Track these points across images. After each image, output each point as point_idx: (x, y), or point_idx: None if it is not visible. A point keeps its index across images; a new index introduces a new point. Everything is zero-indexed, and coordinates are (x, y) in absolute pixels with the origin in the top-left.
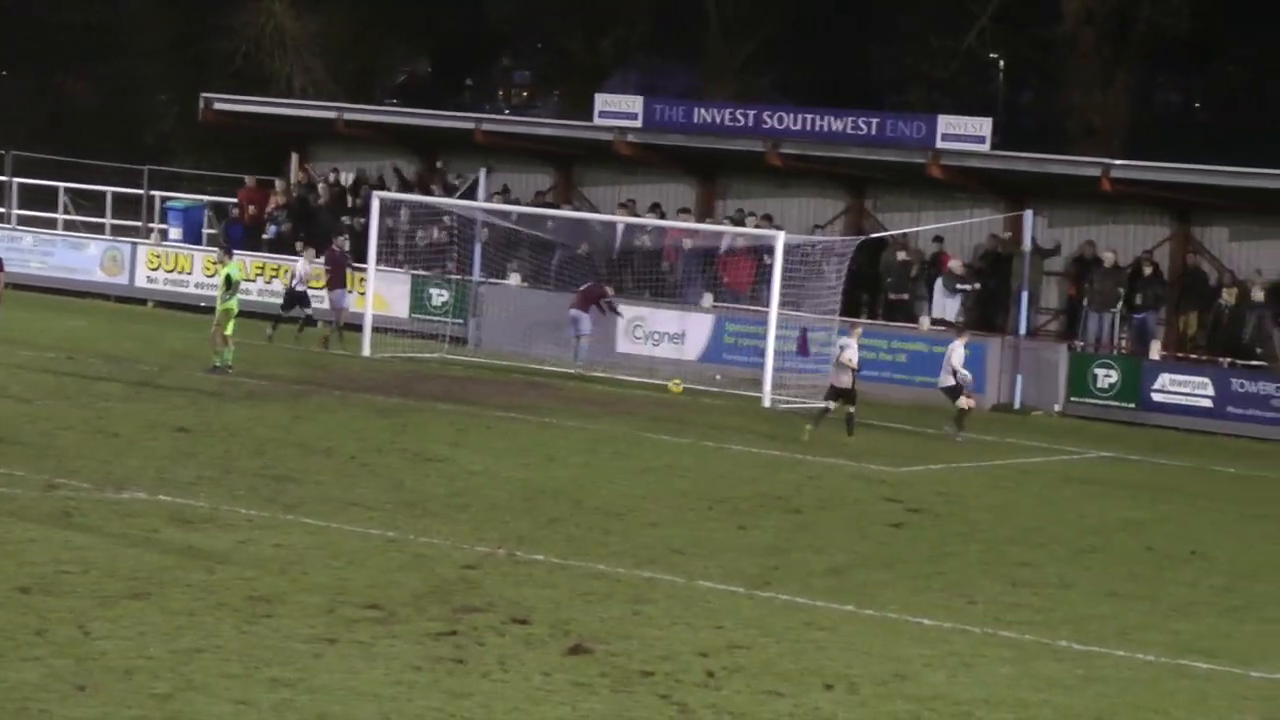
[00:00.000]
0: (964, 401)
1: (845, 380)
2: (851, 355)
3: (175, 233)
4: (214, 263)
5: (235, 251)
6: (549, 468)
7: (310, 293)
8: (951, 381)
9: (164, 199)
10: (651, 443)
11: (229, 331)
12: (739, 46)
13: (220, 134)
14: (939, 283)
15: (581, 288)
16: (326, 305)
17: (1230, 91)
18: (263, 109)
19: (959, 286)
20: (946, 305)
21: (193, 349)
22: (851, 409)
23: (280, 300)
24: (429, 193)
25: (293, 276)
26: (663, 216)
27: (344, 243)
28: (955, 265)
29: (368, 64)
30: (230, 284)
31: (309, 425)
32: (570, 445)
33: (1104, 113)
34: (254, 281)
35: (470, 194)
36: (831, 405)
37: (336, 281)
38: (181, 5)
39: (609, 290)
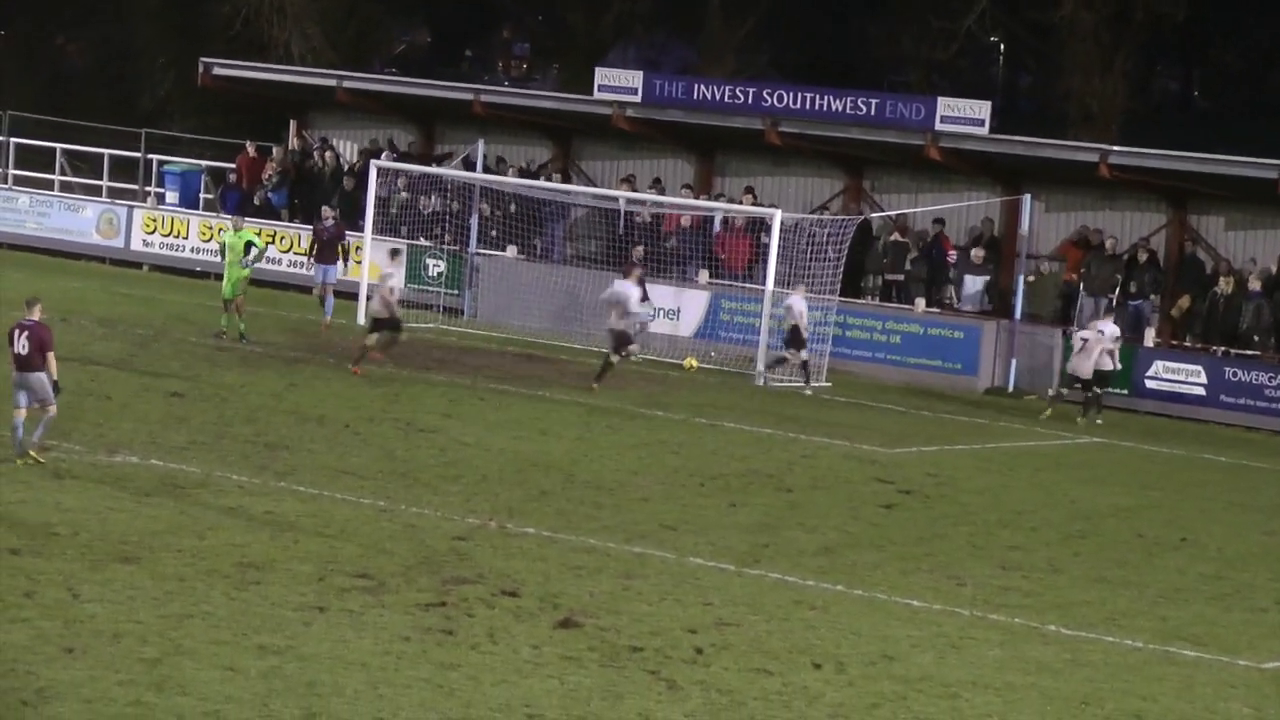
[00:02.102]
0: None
1: (1085, 369)
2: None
3: (172, 197)
4: (230, 230)
5: (229, 216)
6: (541, 441)
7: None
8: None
9: (161, 163)
10: (644, 418)
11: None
12: (738, 23)
13: (218, 99)
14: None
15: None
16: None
17: (1228, 80)
18: (262, 75)
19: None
20: (971, 293)
21: (188, 313)
22: (1097, 390)
23: None
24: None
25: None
26: (663, 192)
27: (332, 215)
28: (978, 254)
29: (366, 32)
30: (249, 249)
31: (302, 393)
32: (563, 419)
33: (1102, 98)
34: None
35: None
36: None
37: (327, 256)
38: None
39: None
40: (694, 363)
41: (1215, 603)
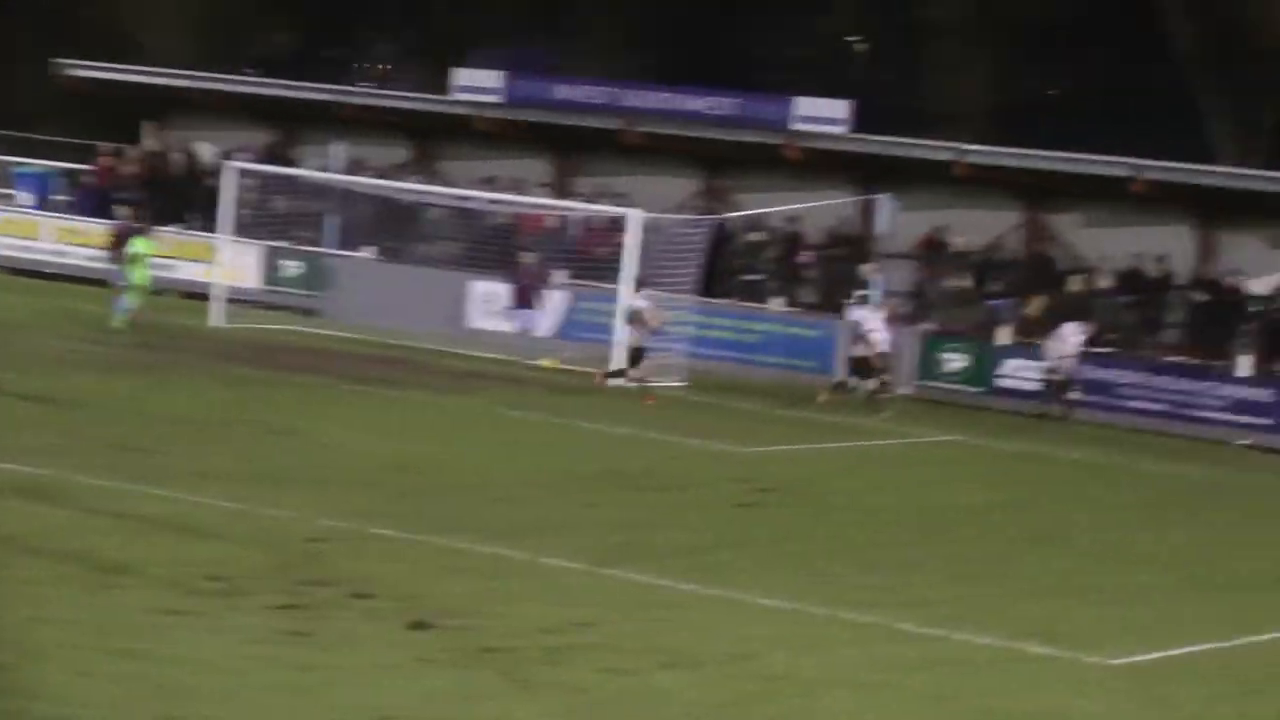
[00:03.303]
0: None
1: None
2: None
3: (25, 198)
4: (142, 236)
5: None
6: (399, 442)
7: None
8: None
9: (13, 164)
10: (502, 418)
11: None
12: (598, 24)
13: (77, 101)
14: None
15: (519, 284)
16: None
17: (1087, 80)
18: (120, 76)
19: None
20: (871, 297)
21: (42, 315)
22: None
23: None
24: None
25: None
26: (523, 193)
27: (128, 213)
28: (871, 269)
29: (226, 34)
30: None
31: (159, 396)
32: (421, 420)
33: (962, 98)
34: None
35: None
36: None
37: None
38: None
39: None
40: (552, 363)
41: (1067, 599)
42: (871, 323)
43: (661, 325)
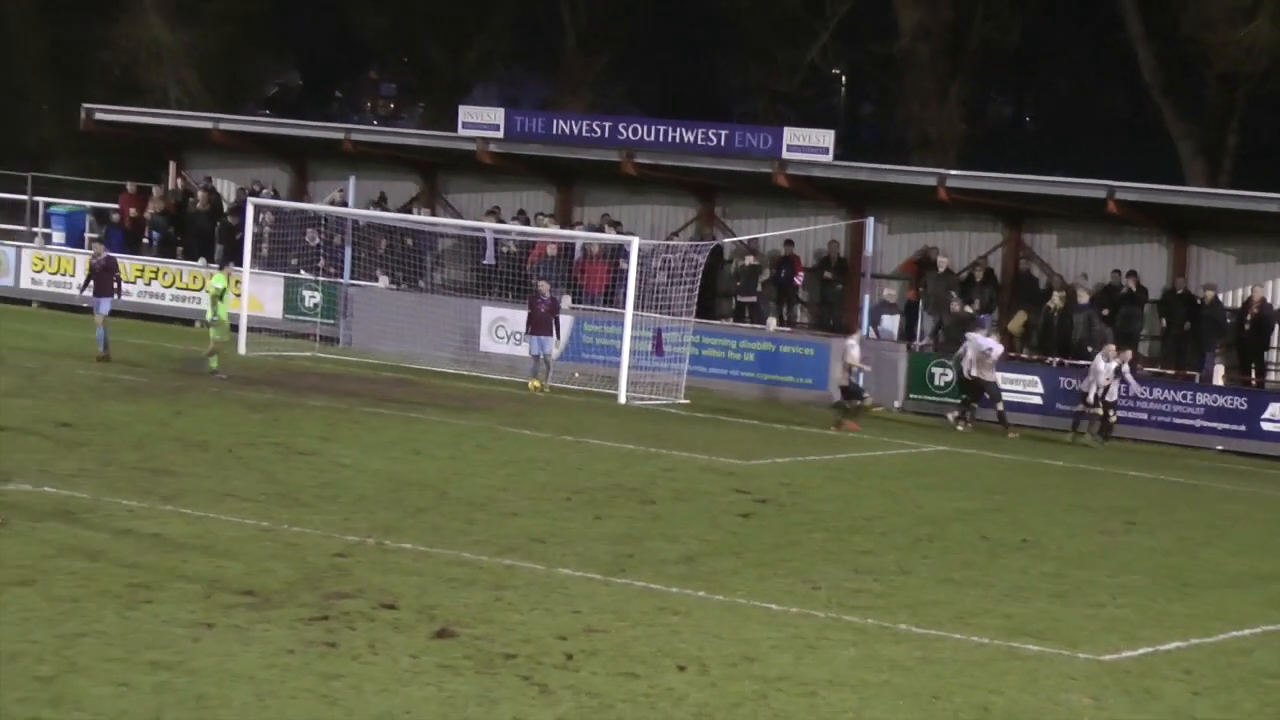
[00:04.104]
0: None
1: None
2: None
3: (58, 236)
4: (220, 272)
5: (111, 254)
6: (415, 461)
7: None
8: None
9: (46, 204)
10: (513, 437)
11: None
12: (594, 58)
13: (99, 142)
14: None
15: (540, 310)
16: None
17: (1057, 103)
18: (141, 119)
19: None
20: (884, 320)
21: (75, 347)
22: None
23: None
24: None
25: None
26: (527, 223)
27: (103, 249)
28: (889, 294)
29: (240, 76)
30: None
31: (186, 420)
32: (436, 439)
33: (939, 124)
34: (134, 284)
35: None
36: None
37: (101, 288)
38: (60, 17)
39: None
40: (537, 383)
41: (1056, 600)
42: (990, 344)
43: (864, 364)
